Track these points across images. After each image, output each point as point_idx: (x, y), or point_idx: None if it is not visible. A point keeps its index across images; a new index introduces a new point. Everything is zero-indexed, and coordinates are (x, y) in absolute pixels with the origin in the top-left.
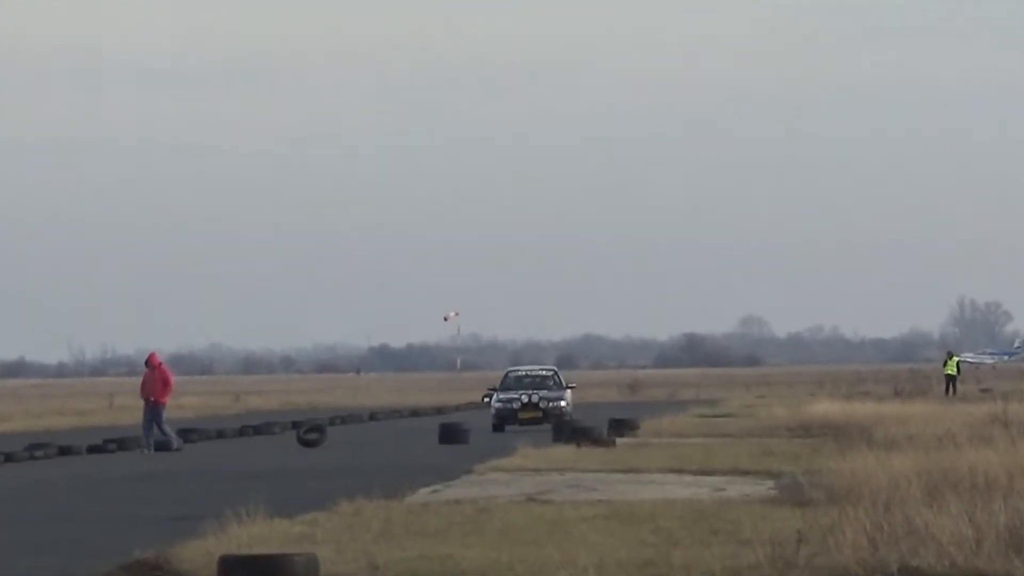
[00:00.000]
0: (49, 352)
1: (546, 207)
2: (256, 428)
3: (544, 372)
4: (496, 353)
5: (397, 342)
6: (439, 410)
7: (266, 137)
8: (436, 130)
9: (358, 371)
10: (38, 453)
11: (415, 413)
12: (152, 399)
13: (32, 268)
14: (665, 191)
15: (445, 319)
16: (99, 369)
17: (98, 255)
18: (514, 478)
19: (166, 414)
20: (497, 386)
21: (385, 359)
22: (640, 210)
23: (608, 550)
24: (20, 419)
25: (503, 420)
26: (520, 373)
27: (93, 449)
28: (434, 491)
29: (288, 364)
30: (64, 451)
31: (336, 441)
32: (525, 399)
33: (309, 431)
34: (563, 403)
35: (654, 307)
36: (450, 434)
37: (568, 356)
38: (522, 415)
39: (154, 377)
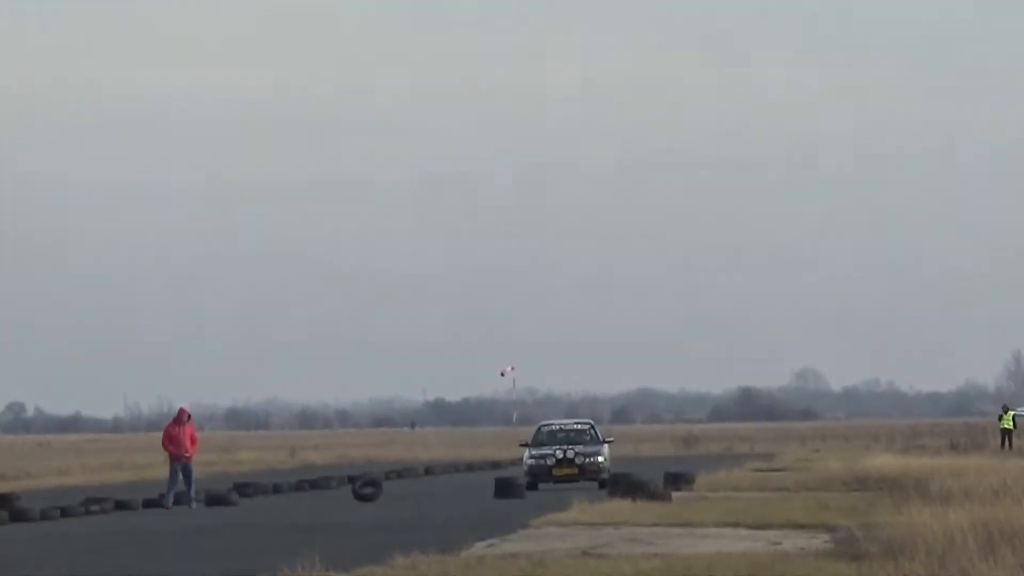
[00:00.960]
0: (105, 407)
1: (601, 260)
2: (312, 483)
3: (579, 426)
4: (552, 406)
5: (453, 396)
6: (495, 464)
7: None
8: (493, 173)
9: (413, 425)
10: (95, 508)
11: (470, 467)
12: (186, 455)
13: (87, 322)
14: (718, 243)
15: (502, 374)
16: (155, 423)
17: (154, 308)
18: (570, 532)
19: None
20: (529, 441)
21: (441, 413)
22: (696, 261)
23: None
24: (77, 473)
25: (536, 477)
26: (554, 427)
27: (149, 503)
28: (490, 545)
29: (344, 418)
30: (121, 505)
31: (392, 495)
32: (560, 455)
33: (365, 485)
34: (600, 458)
35: (710, 360)
36: (506, 488)
37: (624, 409)
38: (557, 472)
39: (184, 433)
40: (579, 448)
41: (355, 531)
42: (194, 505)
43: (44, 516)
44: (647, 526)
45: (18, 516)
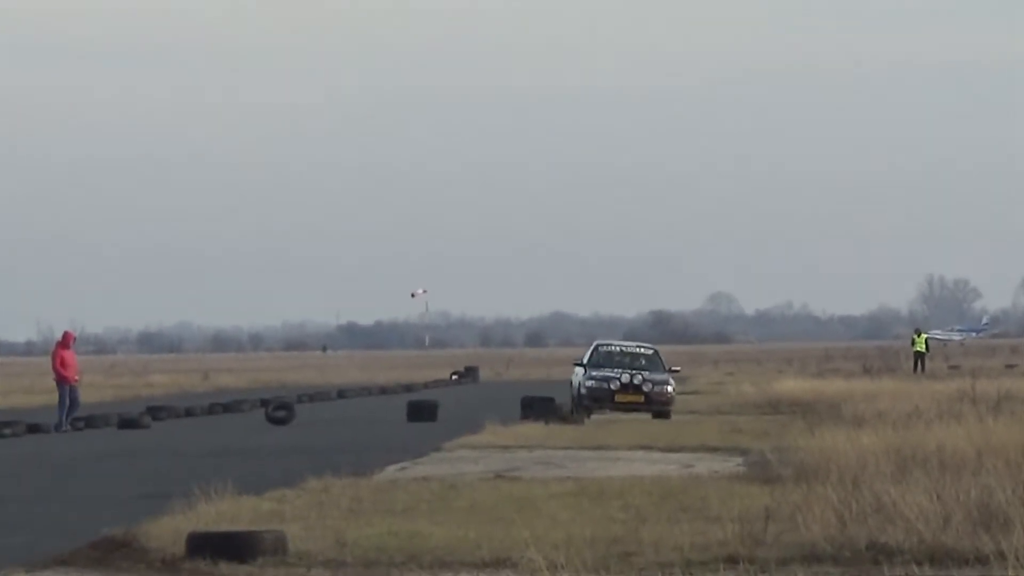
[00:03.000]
0: (17, 330)
1: (517, 184)
2: (225, 406)
3: (643, 350)
4: (464, 330)
5: (365, 319)
6: (407, 387)
7: (233, 120)
8: (408, 106)
9: (325, 349)
10: (6, 431)
11: (384, 391)
12: (75, 378)
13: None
14: (632, 165)
15: (412, 296)
16: None
17: (67, 233)
18: (483, 455)
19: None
20: (585, 360)
21: (353, 336)
22: (608, 187)
23: (577, 527)
24: None
25: (596, 402)
26: (613, 348)
27: (55, 427)
28: (402, 468)
29: (257, 342)
30: (32, 429)
31: (305, 419)
32: (626, 379)
33: (278, 409)
34: (669, 388)
35: (622, 284)
36: (419, 411)
37: (537, 333)
38: (620, 397)
39: (72, 356)
40: (647, 375)
41: (268, 454)
42: (66, 429)
43: None
44: (560, 449)
45: None
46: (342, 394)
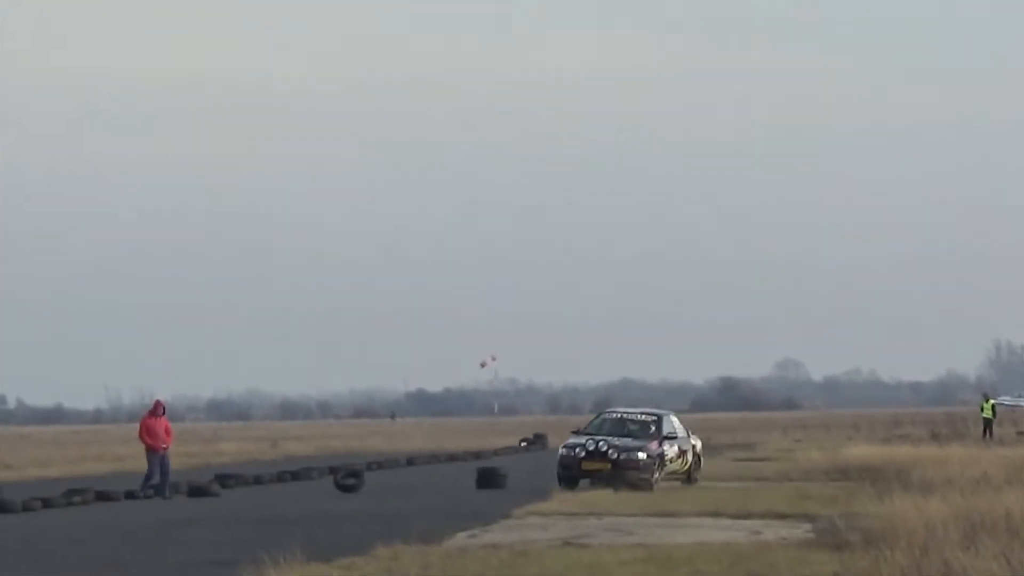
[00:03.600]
0: (86, 399)
1: (584, 249)
2: (294, 474)
3: (643, 416)
4: (534, 397)
5: (434, 386)
6: (476, 455)
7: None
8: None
9: (393, 416)
10: (76, 499)
11: (452, 458)
12: (163, 447)
13: (68, 313)
14: (701, 232)
15: (483, 364)
16: (135, 415)
17: (134, 300)
18: (551, 522)
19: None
20: (583, 428)
21: (422, 404)
22: (676, 253)
23: None
24: (58, 465)
25: (565, 469)
26: (614, 415)
27: (130, 495)
28: (472, 536)
29: (325, 409)
30: (101, 496)
31: (374, 486)
32: (592, 446)
33: (347, 476)
34: (641, 455)
35: (690, 351)
36: (488, 479)
37: (605, 400)
38: (586, 465)
39: (161, 424)
40: (617, 441)
41: (337, 522)
42: (168, 495)
43: (25, 507)
44: (629, 516)
45: None
46: (411, 461)
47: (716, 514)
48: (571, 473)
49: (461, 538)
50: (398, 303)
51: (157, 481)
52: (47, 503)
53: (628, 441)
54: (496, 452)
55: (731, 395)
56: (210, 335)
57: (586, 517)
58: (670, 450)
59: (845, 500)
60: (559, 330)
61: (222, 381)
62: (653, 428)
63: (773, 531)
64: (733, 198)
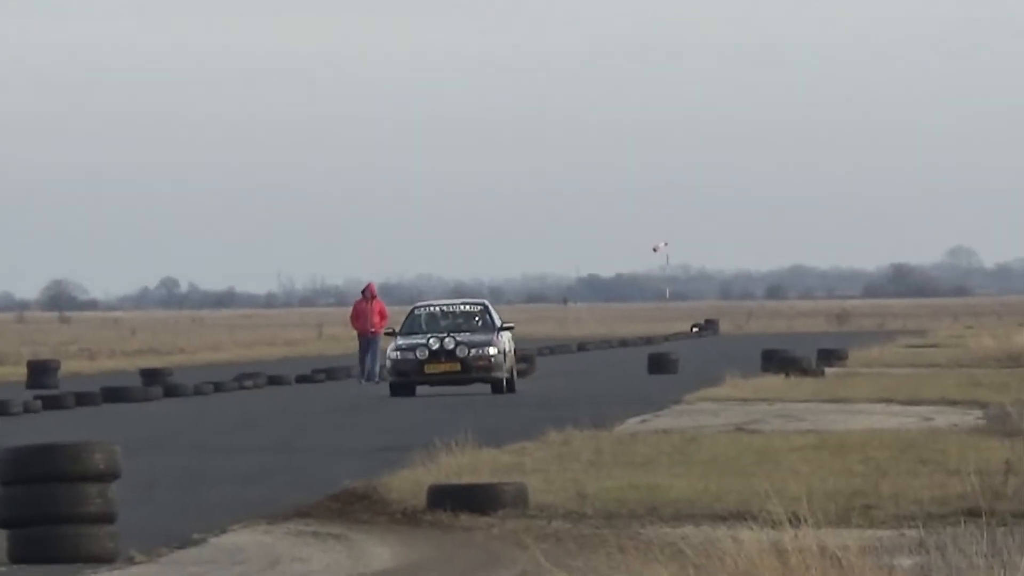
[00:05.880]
0: (258, 283)
1: (757, 137)
2: None
3: (468, 308)
4: (705, 283)
5: (606, 272)
6: (648, 340)
7: (470, 64)
8: (636, 60)
9: (565, 301)
10: (248, 383)
11: (624, 343)
12: (372, 331)
13: (242, 199)
14: (870, 118)
15: (654, 249)
16: (308, 299)
17: (307, 185)
18: (723, 408)
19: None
20: (397, 329)
21: (593, 289)
22: (850, 139)
23: (817, 480)
24: (230, 349)
25: (403, 376)
26: (433, 310)
27: (302, 379)
28: (643, 421)
29: (497, 294)
30: (273, 381)
31: (545, 371)
32: (435, 345)
33: (518, 361)
34: (491, 350)
35: (862, 237)
36: (659, 364)
37: (777, 286)
38: (430, 368)
39: (371, 308)
40: (462, 336)
41: (508, 407)
42: (378, 380)
43: (197, 391)
44: (800, 402)
45: (172, 391)
46: (582, 347)
47: (887, 400)
48: (408, 380)
49: (632, 423)
50: (571, 188)
51: (369, 365)
52: (219, 387)
53: (470, 336)
54: (667, 338)
55: (902, 282)
56: (381, 220)
57: (757, 403)
58: (508, 344)
59: (1017, 387)
60: (731, 216)
61: (394, 266)
62: (483, 319)
63: (944, 418)
64: (905, 82)
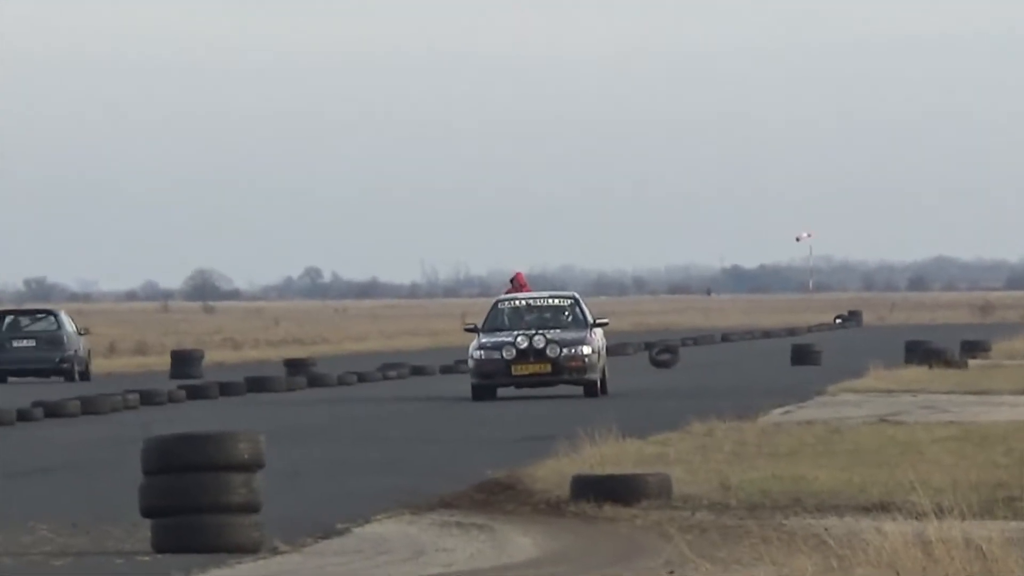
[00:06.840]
0: (402, 272)
1: (899, 127)
2: (609, 349)
3: (557, 301)
4: (848, 274)
5: (749, 263)
6: (791, 331)
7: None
8: (798, 54)
9: (709, 292)
10: (391, 373)
11: (767, 334)
12: None
13: (386, 189)
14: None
15: (797, 239)
16: (452, 290)
17: (453, 175)
18: (866, 399)
19: None
20: (480, 324)
21: (737, 280)
22: (995, 128)
23: (960, 472)
24: (374, 339)
25: (487, 378)
26: (518, 304)
27: (446, 370)
28: (786, 412)
29: (640, 285)
30: (417, 371)
31: (688, 362)
32: (523, 343)
33: (662, 352)
34: (586, 349)
35: (1006, 228)
36: (802, 355)
37: (919, 278)
38: (518, 369)
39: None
40: (553, 334)
41: (652, 397)
42: None
43: (341, 381)
44: (943, 393)
45: (316, 381)
46: (726, 337)
47: None
48: (493, 381)
49: (775, 414)
50: (715, 179)
51: None
52: (363, 377)
53: (561, 334)
54: (810, 329)
55: None
56: (526, 211)
57: (900, 394)
58: (601, 342)
59: None
60: (874, 207)
61: (537, 256)
62: (573, 314)
63: None
64: None
